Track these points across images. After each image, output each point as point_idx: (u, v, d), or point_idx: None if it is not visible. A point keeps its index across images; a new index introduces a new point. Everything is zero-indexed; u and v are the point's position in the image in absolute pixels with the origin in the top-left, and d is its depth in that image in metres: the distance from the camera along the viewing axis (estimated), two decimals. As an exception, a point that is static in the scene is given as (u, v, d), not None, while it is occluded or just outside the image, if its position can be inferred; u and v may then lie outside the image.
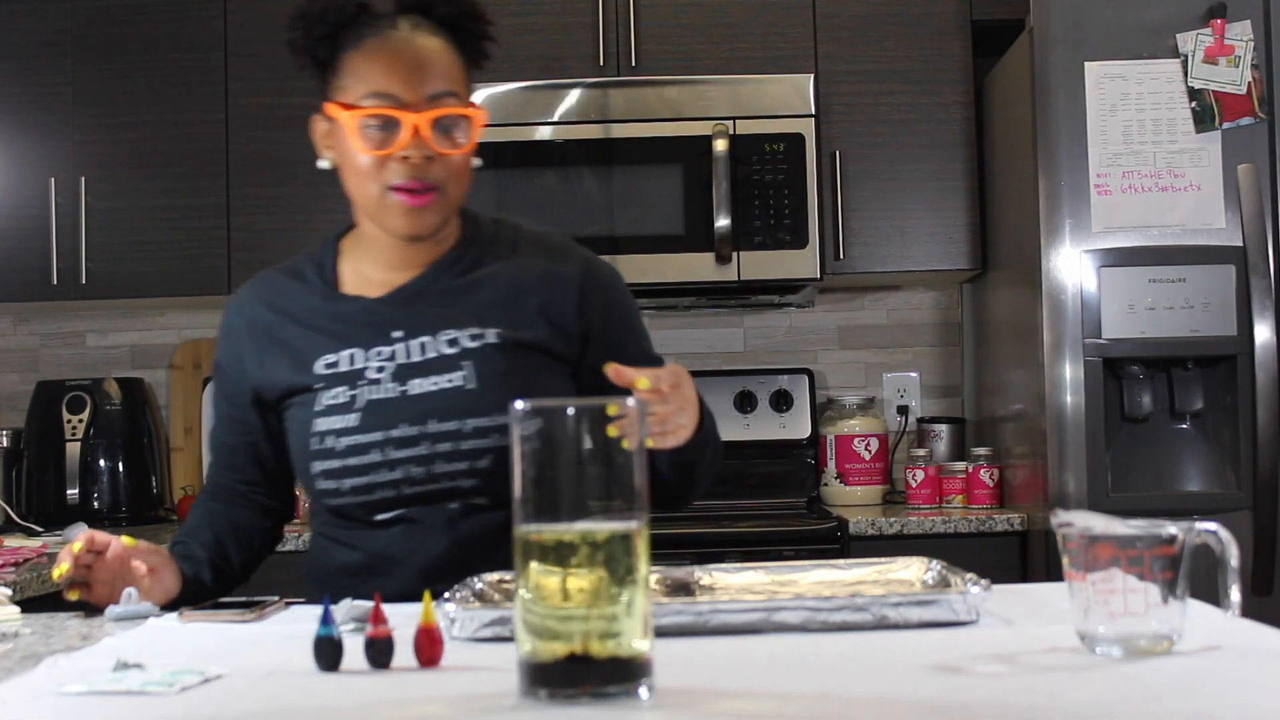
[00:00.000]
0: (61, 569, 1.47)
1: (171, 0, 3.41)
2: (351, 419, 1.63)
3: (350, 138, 1.60)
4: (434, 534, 1.63)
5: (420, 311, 1.67)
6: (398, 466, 1.61)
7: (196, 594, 1.61)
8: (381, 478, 1.62)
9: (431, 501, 1.63)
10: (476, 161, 1.67)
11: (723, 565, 1.51)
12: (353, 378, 1.65)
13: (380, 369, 1.64)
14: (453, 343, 1.65)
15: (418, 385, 1.63)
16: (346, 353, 1.66)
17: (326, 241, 1.78)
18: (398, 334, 1.66)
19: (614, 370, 1.45)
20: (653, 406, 1.47)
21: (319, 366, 1.66)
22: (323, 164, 1.69)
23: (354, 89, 1.60)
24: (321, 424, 1.64)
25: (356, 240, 1.74)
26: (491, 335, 1.65)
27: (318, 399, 1.65)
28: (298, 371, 1.67)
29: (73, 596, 1.49)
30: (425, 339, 1.65)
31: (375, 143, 1.59)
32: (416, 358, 1.64)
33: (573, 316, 1.70)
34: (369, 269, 1.71)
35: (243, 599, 1.44)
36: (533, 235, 1.77)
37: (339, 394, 1.64)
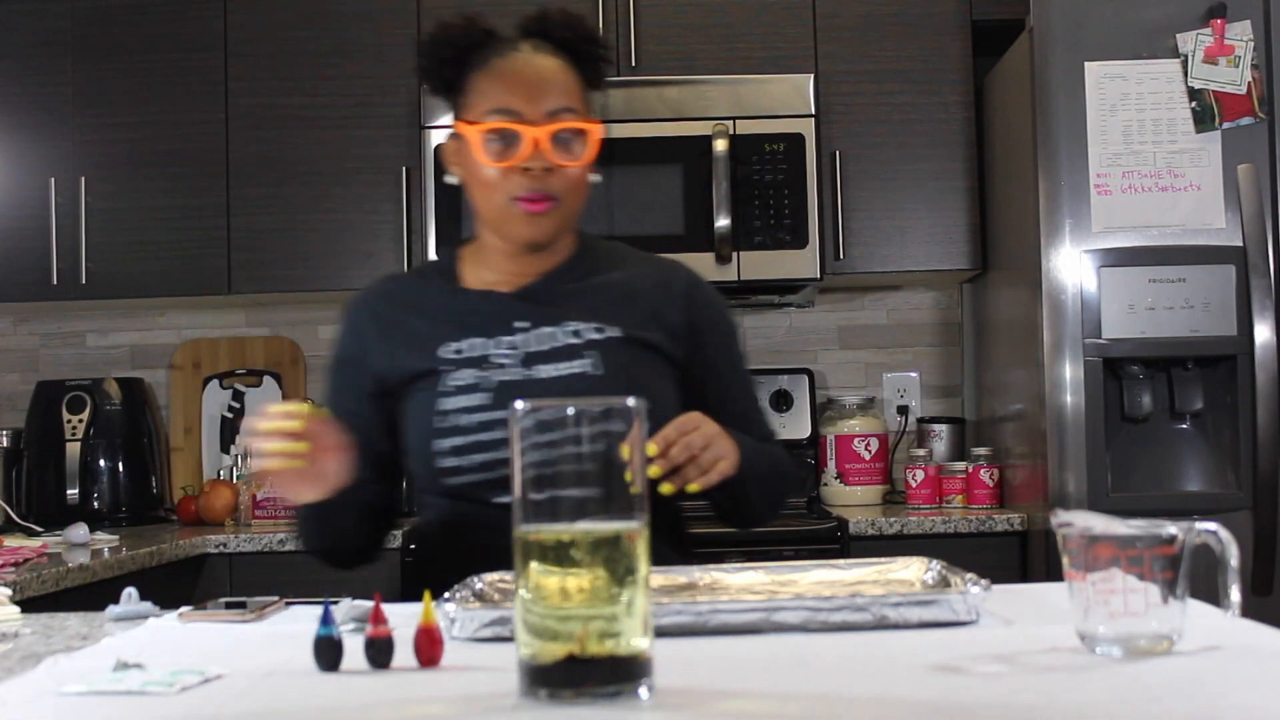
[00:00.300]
0: (282, 434, 1.49)
1: (171, 0, 3.41)
2: (480, 398, 1.68)
3: (475, 151, 1.68)
4: None
5: (542, 307, 1.74)
6: None
7: (351, 498, 1.63)
8: (506, 455, 1.63)
9: None
10: (595, 177, 1.75)
11: (723, 565, 1.51)
12: (479, 362, 1.71)
13: (507, 355, 1.71)
14: (577, 334, 1.72)
15: (545, 370, 1.70)
16: (472, 340, 1.72)
17: (444, 251, 1.87)
18: (522, 324, 1.73)
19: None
20: (675, 455, 1.53)
21: (445, 352, 1.72)
22: (450, 179, 1.78)
23: (479, 106, 1.69)
24: (449, 403, 1.69)
25: (476, 250, 1.81)
26: (614, 330, 1.72)
27: (444, 380, 1.70)
28: (423, 357, 1.73)
29: (277, 465, 1.51)
30: (549, 329, 1.72)
31: (497, 155, 1.67)
32: (542, 346, 1.71)
33: (681, 324, 1.78)
34: (489, 275, 1.78)
35: (242, 599, 1.44)
36: (641, 253, 1.87)
37: (466, 376, 1.70)
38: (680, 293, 1.79)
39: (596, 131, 1.71)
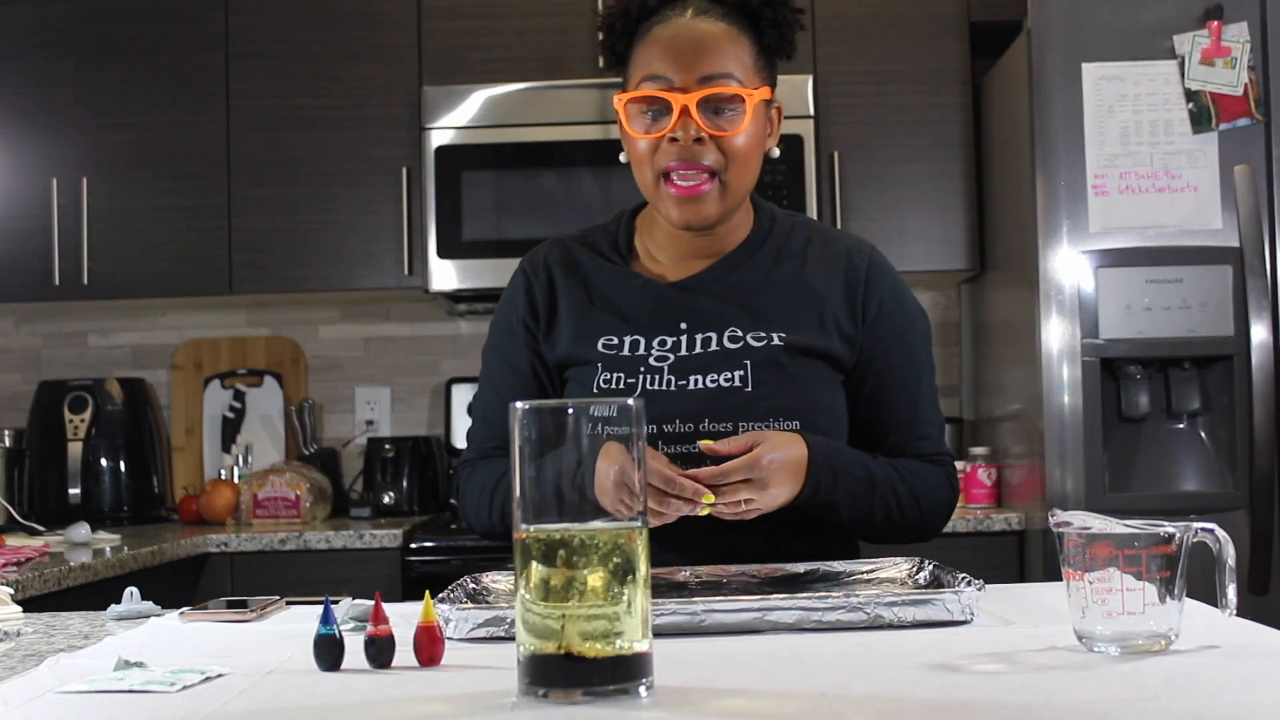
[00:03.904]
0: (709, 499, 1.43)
1: (173, 1, 3.41)
2: None
3: (624, 123, 1.59)
4: (694, 537, 1.56)
5: (708, 306, 1.65)
6: None
7: None
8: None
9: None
10: (774, 152, 1.66)
11: (716, 566, 1.51)
12: (633, 365, 1.62)
13: (661, 359, 1.62)
14: (735, 339, 1.62)
15: (696, 381, 1.60)
16: (630, 338, 1.64)
17: (621, 216, 1.75)
18: (683, 325, 1.64)
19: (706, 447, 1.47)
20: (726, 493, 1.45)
21: (600, 344, 1.64)
22: (622, 158, 1.67)
23: (634, 76, 1.60)
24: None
25: (651, 220, 1.70)
26: (776, 338, 1.62)
27: (595, 379, 1.62)
28: (578, 344, 1.65)
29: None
30: (710, 333, 1.63)
31: (646, 126, 1.58)
32: (699, 351, 1.62)
33: (857, 324, 1.66)
34: (660, 253, 1.69)
35: (243, 598, 1.45)
36: (825, 236, 1.72)
37: (616, 379, 1.61)
38: (861, 287, 1.66)
39: (759, 98, 1.59)
